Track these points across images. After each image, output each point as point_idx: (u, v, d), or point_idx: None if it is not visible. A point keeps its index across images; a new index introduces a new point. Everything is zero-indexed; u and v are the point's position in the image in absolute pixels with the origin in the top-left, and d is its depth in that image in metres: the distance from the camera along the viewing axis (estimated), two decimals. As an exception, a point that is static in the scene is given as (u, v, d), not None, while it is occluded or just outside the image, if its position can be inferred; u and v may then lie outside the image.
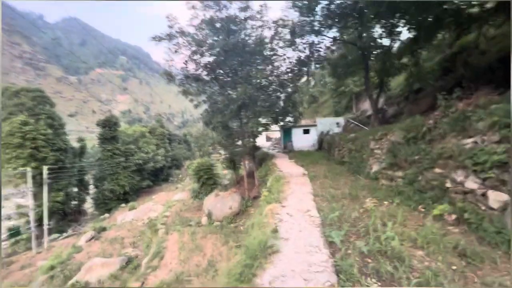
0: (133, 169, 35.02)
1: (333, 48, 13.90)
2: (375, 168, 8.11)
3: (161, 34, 11.37)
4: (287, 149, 23.64)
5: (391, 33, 12.06)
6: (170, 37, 11.48)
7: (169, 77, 12.08)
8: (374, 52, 13.03)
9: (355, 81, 27.14)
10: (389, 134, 7.74)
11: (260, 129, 19.02)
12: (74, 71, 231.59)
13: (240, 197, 14.87)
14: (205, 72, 13.14)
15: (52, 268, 13.84)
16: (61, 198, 24.45)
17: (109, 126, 33.25)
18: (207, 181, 18.00)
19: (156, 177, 46.08)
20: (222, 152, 17.06)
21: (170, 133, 54.46)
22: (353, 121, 22.87)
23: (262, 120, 15.81)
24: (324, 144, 19.60)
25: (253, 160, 20.25)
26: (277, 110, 17.86)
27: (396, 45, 12.77)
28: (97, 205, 32.43)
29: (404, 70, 13.50)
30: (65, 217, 29.66)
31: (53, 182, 24.49)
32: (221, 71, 13.50)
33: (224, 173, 28.99)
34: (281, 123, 19.45)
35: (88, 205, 35.39)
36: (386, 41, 12.70)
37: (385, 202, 5.44)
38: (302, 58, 14.03)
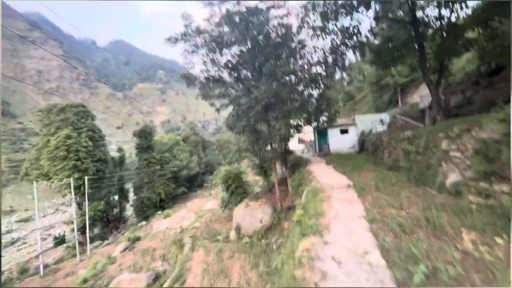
0: (168, 177, 35.69)
1: (376, 30, 11.53)
2: (453, 177, 5.81)
3: (176, 34, 10.45)
4: (323, 152, 21.32)
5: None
6: (185, 36, 10.49)
7: (188, 80, 11.10)
8: (430, 29, 10.40)
9: (400, 72, 23.69)
10: (474, 129, 5.42)
11: (291, 131, 17.30)
12: (121, 87, 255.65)
13: (272, 208, 13.21)
14: (226, 73, 11.92)
15: (85, 281, 13.80)
16: (102, 206, 25.50)
17: (144, 136, 34.42)
18: (236, 190, 16.74)
19: (191, 183, 46.78)
20: (252, 158, 15.62)
21: (204, 139, 55.36)
22: (401, 116, 19.67)
23: (293, 122, 14.03)
24: (367, 145, 16.94)
25: (285, 166, 18.48)
26: (310, 109, 15.92)
27: (461, 15, 9.98)
28: (136, 212, 33.57)
29: (472, 48, 10.55)
30: (108, 224, 31.19)
31: (95, 192, 25.70)
32: (244, 70, 12.15)
33: (255, 180, 27.66)
34: (315, 124, 17.38)
35: (129, 213, 37.08)
36: (446, 12, 10.02)
37: (497, 240, 3.33)
38: (336, 45, 11.95)
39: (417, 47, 10.73)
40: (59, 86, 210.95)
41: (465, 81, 13.32)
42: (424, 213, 4.62)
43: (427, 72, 10.07)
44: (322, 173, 10.15)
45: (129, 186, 38.69)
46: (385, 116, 20.86)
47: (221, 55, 11.67)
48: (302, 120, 17.37)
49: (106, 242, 25.37)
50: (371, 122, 20.56)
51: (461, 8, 9.51)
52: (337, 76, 44.10)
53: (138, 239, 21.41)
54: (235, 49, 11.86)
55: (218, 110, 12.20)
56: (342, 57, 13.05)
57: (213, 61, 11.51)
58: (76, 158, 23.85)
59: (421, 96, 19.03)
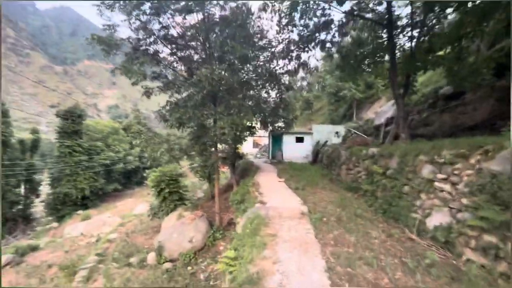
0: (96, 170, 30.05)
1: (346, 29, 10.18)
2: (438, 218, 4.28)
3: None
4: (276, 159, 19.76)
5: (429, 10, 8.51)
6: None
7: (105, 46, 7.95)
8: (404, 37, 9.42)
9: (357, 86, 23.83)
10: (474, 155, 3.94)
11: (242, 132, 15.20)
12: (61, 61, 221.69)
13: (207, 223, 10.75)
14: (163, 47, 9.13)
15: None
16: (-11, 203, 19.37)
17: (71, 117, 28.35)
18: (169, 196, 13.76)
19: (128, 179, 41.07)
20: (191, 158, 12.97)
21: (151, 131, 49.49)
22: (355, 131, 19.38)
23: (246, 122, 11.93)
24: (322, 157, 15.84)
25: (233, 171, 16.23)
26: (265, 110, 14.07)
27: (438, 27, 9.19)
28: (48, 210, 27.25)
29: (437, 67, 9.93)
30: (5, 224, 24.38)
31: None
32: (188, 48, 9.52)
33: (198, 184, 24.80)
34: (270, 128, 15.61)
35: (41, 209, 30.07)
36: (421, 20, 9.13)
37: None
38: (304, 39, 10.25)
39: (388, 56, 9.65)
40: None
41: (423, 102, 13.06)
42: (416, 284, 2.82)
43: (397, 84, 8.99)
44: (271, 188, 8.13)
45: (44, 177, 31.54)
46: (341, 129, 20.40)
47: (160, 23, 8.83)
48: (256, 121, 15.48)
49: (-9, 249, 19.27)
50: (327, 133, 19.83)
51: (438, 20, 8.63)
52: (298, 81, 44.05)
53: (34, 248, 16.47)
54: (179, 19, 9.16)
55: (147, 94, 9.24)
56: (304, 56, 11.49)
57: (146, 29, 8.58)
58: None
59: (376, 112, 19.02)
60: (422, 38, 8.98)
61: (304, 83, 45.40)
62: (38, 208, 28.97)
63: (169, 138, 9.47)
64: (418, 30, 9.00)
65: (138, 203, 26.07)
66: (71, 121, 28.42)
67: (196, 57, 9.50)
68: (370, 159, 7.62)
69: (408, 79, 9.97)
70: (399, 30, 9.30)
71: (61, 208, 26.88)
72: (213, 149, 11.13)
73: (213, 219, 11.40)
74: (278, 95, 13.79)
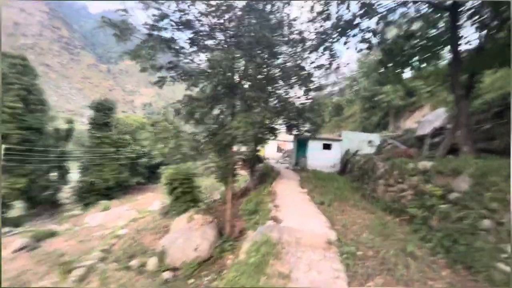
0: (122, 163, 30.83)
1: (392, 16, 8.49)
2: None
3: None
4: (299, 166, 18.18)
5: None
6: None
7: (118, 30, 7.30)
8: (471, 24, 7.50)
9: (397, 91, 21.32)
10: None
11: (262, 133, 13.96)
12: (106, 60, 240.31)
13: (217, 231, 9.64)
14: (182, 34, 8.28)
15: None
16: (22, 185, 20.37)
17: (103, 110, 29.47)
18: (182, 196, 12.97)
19: (153, 174, 41.90)
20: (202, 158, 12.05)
21: (177, 128, 50.42)
22: (393, 140, 17.12)
23: (264, 120, 10.72)
24: (352, 167, 13.99)
25: (252, 175, 15.06)
26: (292, 110, 12.74)
27: None
28: (75, 198, 28.41)
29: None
30: (34, 207, 25.79)
31: (17, 166, 20.57)
32: (207, 36, 8.56)
33: (215, 186, 23.98)
34: (295, 131, 14.19)
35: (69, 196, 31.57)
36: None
37: None
38: (335, 30, 8.79)
39: (448, 50, 7.80)
40: (36, 44, 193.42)
41: (485, 110, 10.71)
42: None
43: (458, 83, 7.12)
44: (290, 200, 6.75)
45: (75, 166, 33.22)
46: (375, 137, 18.22)
47: (177, 7, 7.99)
48: (281, 122, 14.21)
49: (16, 230, 20.21)
50: (359, 141, 17.81)
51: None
52: (328, 86, 41.66)
53: (52, 234, 16.75)
54: (201, 6, 8.25)
55: (159, 84, 8.47)
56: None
57: (161, 13, 7.78)
58: (-4, 120, 18.74)
59: (419, 122, 16.59)
60: (497, 24, 7.00)
61: (336, 88, 43.01)
62: (66, 194, 30.44)
63: (178, 134, 8.55)
64: (492, 15, 7.05)
65: (157, 199, 26.05)
66: (103, 113, 29.55)
67: (214, 45, 8.51)
68: (421, 176, 5.91)
69: (471, 79, 7.99)
70: (465, 16, 7.41)
71: (86, 196, 27.83)
72: (229, 149, 10.06)
73: (224, 226, 10.28)
74: (306, 94, 12.38)
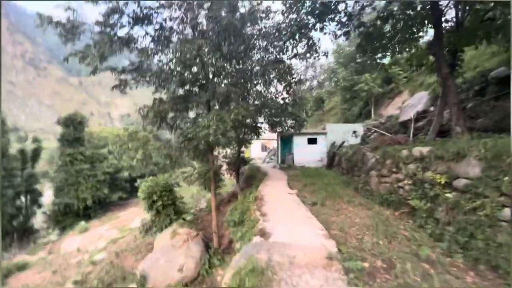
0: (99, 179, 28.82)
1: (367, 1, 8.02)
2: None
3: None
4: (286, 164, 17.58)
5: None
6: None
7: (63, 29, 6.22)
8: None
9: (376, 78, 21.29)
10: None
11: (249, 135, 13.22)
12: (77, 73, 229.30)
13: (203, 246, 8.73)
14: (142, 31, 7.30)
15: None
16: (-17, 217, 18.22)
17: (73, 125, 27.37)
18: (163, 209, 11.90)
19: (135, 187, 39.87)
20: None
21: (158, 137, 48.39)
22: (376, 129, 16.95)
23: (249, 121, 10.02)
24: (340, 160, 13.55)
25: (238, 178, 14.25)
26: (273, 106, 12.09)
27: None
28: (49, 222, 26.20)
29: (492, 38, 7.55)
30: (3, 237, 23.38)
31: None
32: (175, 31, 7.65)
33: (202, 191, 22.95)
34: (279, 128, 13.57)
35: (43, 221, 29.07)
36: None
37: None
38: (311, 16, 8.20)
39: (429, 29, 7.42)
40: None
41: (465, 89, 10.59)
42: None
43: (444, 61, 6.72)
44: (279, 205, 6.00)
45: (48, 187, 30.72)
46: (359, 127, 18.01)
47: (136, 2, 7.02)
48: (264, 120, 13.53)
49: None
50: (344, 132, 17.50)
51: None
52: (307, 81, 41.57)
53: (22, 267, 15.00)
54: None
55: (119, 87, 7.47)
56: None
57: (114, 9, 6.76)
58: None
59: (400, 107, 16.55)
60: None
61: (315, 82, 43.08)
62: (41, 219, 28.00)
63: (147, 143, 7.58)
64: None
65: (140, 214, 24.49)
66: (73, 129, 27.46)
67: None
68: (418, 163, 5.39)
69: (454, 57, 7.68)
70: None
71: (62, 219, 25.70)
72: (209, 153, 9.20)
73: (211, 238, 9.40)
74: (287, 88, 11.76)
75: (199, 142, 7.79)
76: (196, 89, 8.47)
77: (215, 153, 14.51)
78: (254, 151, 31.03)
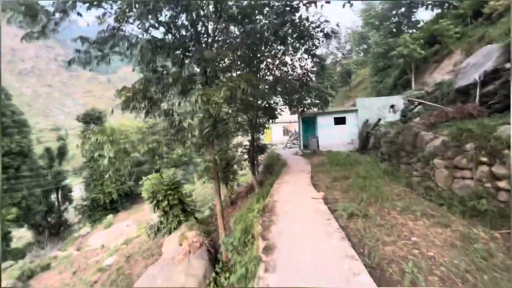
0: (123, 173, 28.94)
1: None
2: None
3: None
4: (310, 149, 15.25)
5: None
6: None
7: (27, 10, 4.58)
8: None
9: (417, 39, 17.38)
10: None
11: (261, 118, 11.18)
12: (104, 71, 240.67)
13: (207, 260, 7.11)
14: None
15: None
16: (13, 215, 18.82)
17: (92, 121, 27.41)
18: (170, 210, 10.54)
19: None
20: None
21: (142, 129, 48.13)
22: (421, 100, 13.72)
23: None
24: (377, 142, 10.93)
25: (253, 170, 12.37)
26: (290, 83, 9.85)
27: None
28: (80, 217, 27.21)
29: None
30: (40, 233, 24.71)
31: (5, 196, 18.96)
32: None
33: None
34: (300, 108, 11.26)
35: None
36: None
37: None
38: None
39: None
40: (34, 66, 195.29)
41: None
42: None
43: None
44: (296, 224, 3.93)
45: (78, 183, 31.89)
46: (398, 100, 14.84)
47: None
48: (283, 100, 11.35)
49: (21, 262, 18.82)
50: (378, 108, 14.54)
51: None
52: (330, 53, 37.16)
53: (45, 267, 15.06)
54: None
55: (84, 63, 5.76)
56: None
57: None
58: (-31, 151, 16.93)
59: (456, 70, 13.05)
60: None
61: (339, 56, 38.57)
62: (73, 214, 29.26)
63: (112, 134, 5.85)
64: None
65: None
66: (93, 124, 27.49)
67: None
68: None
69: None
70: None
71: (91, 213, 26.46)
72: (209, 144, 7.34)
73: (217, 251, 7.72)
74: (308, 57, 9.33)
75: (190, 134, 5.93)
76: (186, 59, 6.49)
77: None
78: (275, 136, 28.80)
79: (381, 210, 4.39)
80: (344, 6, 6.80)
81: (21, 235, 25.62)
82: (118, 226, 20.26)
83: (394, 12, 15.38)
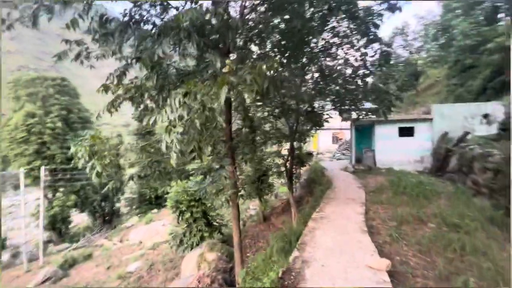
0: (168, 170, 30.17)
1: None
2: None
3: None
4: (363, 165, 12.52)
5: None
6: None
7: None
8: None
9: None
10: None
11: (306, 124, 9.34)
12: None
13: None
14: None
15: None
16: (72, 202, 20.82)
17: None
18: (194, 222, 9.46)
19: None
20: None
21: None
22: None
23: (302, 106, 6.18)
24: (464, 164, 7.88)
25: (290, 186, 10.43)
26: (342, 85, 7.81)
27: None
28: (129, 208, 29.27)
29: None
30: (96, 219, 27.34)
31: (63, 185, 21.20)
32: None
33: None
34: (354, 114, 8.98)
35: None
36: None
37: None
38: None
39: None
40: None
41: None
42: None
43: None
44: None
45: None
46: (494, 108, 11.01)
47: None
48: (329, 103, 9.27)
49: (75, 245, 20.71)
50: (465, 117, 11.00)
51: None
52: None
53: (88, 256, 15.84)
54: None
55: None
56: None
57: None
58: (41, 142, 19.25)
59: None
60: None
61: (405, 55, 33.12)
62: (124, 204, 31.75)
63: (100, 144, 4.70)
64: None
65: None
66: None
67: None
68: None
69: None
70: None
71: (138, 206, 28.10)
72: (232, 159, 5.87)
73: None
74: (367, 47, 7.16)
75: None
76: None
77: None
78: (323, 143, 25.96)
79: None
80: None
81: (82, 220, 28.72)
82: (156, 224, 20.63)
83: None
